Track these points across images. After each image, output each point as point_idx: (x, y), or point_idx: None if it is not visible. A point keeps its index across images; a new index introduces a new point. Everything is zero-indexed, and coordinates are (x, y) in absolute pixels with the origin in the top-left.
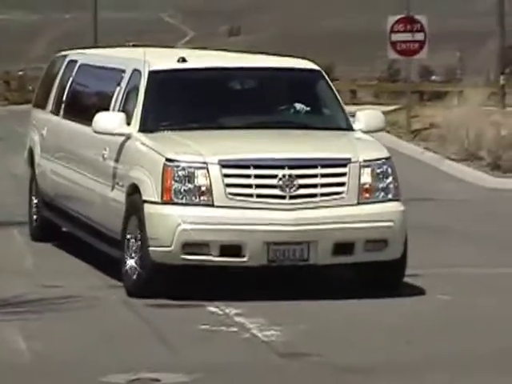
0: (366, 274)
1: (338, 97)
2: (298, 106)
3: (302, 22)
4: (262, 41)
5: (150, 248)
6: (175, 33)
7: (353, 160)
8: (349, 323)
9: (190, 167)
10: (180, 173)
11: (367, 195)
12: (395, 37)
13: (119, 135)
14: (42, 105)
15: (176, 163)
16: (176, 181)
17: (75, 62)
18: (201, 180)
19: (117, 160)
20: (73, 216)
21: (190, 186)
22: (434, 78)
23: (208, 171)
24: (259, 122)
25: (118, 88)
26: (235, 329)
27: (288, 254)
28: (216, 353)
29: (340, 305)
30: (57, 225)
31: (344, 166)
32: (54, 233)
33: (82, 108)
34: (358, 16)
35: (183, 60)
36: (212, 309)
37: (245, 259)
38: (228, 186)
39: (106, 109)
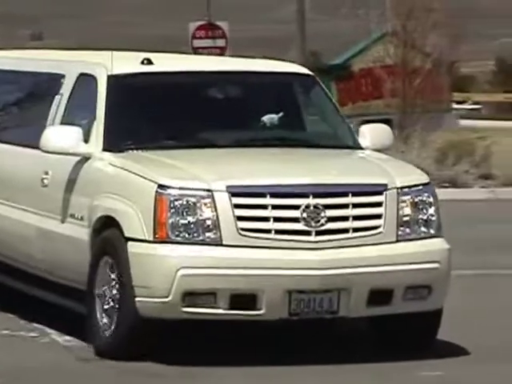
0: (395, 328)
1: (338, 107)
2: (267, 118)
3: (106, 29)
4: (66, 46)
5: (138, 299)
6: None
7: (389, 186)
8: None
9: (191, 195)
10: (177, 203)
11: (407, 230)
12: (197, 43)
13: (75, 155)
14: None
15: (172, 191)
16: (173, 213)
17: None
18: (205, 212)
19: (70, 186)
20: None
21: (190, 219)
22: None
23: (214, 200)
24: (253, 139)
25: (58, 97)
26: (35, 334)
27: (314, 304)
28: (16, 357)
29: None
30: None
31: (380, 193)
32: None
33: None
34: (163, 23)
35: (148, 62)
36: (10, 315)
37: (261, 312)
38: (239, 219)
39: (40, 123)
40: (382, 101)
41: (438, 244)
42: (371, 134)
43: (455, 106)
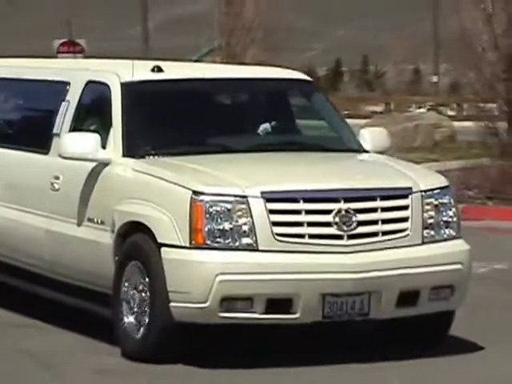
0: (408, 326)
1: (338, 111)
2: (261, 129)
3: None
4: None
5: (172, 304)
6: None
7: (414, 190)
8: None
9: (226, 202)
10: (213, 209)
11: (432, 232)
12: (61, 56)
13: (94, 161)
14: None
15: (207, 197)
16: (208, 219)
17: None
18: (241, 218)
19: (86, 191)
20: None
21: (226, 225)
22: None
23: (249, 206)
24: (267, 144)
25: (64, 104)
26: None
27: (346, 307)
28: None
29: None
30: None
31: (405, 196)
32: None
33: None
34: (31, 40)
35: (159, 69)
36: None
37: (296, 316)
38: (274, 224)
39: (45, 129)
40: None
41: (459, 245)
42: (371, 136)
43: None
